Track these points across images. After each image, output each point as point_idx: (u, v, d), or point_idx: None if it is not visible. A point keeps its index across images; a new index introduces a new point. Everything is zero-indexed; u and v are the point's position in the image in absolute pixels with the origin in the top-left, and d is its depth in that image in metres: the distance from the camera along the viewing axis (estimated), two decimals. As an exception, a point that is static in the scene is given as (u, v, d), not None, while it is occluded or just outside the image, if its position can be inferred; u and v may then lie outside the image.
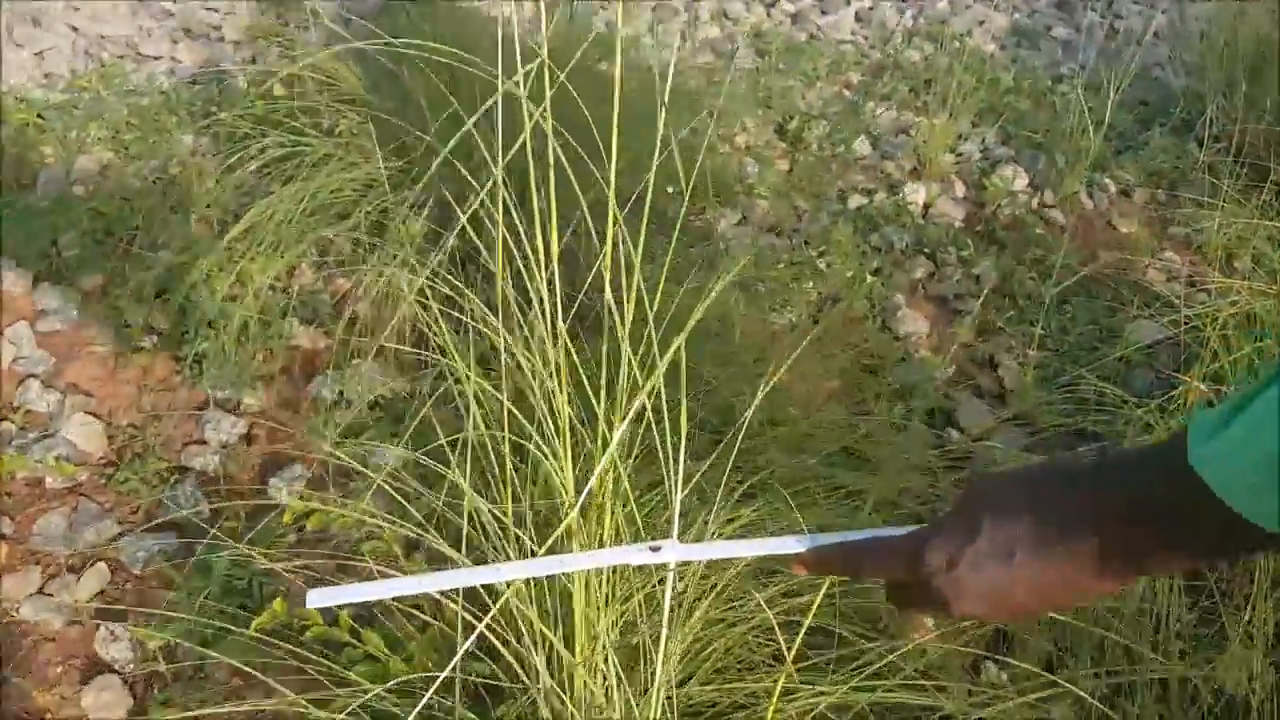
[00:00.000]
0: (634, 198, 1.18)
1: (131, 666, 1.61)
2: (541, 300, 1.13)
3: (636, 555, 0.74)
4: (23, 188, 2.55)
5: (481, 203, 1.09)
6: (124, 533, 1.80)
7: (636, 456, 1.39)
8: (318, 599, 0.70)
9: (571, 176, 1.10)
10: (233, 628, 1.47)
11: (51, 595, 1.71)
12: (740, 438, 1.60)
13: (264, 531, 1.73)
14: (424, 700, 1.04)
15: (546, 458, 1.17)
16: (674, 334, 1.10)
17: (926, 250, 2.63)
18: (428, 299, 1.48)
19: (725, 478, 1.38)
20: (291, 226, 2.17)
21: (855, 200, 2.79)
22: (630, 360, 1.11)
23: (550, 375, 1.18)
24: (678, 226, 1.19)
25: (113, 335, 2.13)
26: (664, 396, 1.10)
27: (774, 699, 1.11)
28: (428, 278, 1.58)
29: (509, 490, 1.29)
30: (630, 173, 1.22)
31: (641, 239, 1.09)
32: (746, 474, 1.65)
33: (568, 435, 1.18)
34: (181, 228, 2.29)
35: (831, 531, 0.73)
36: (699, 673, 1.38)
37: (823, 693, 1.28)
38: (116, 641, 1.63)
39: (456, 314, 1.49)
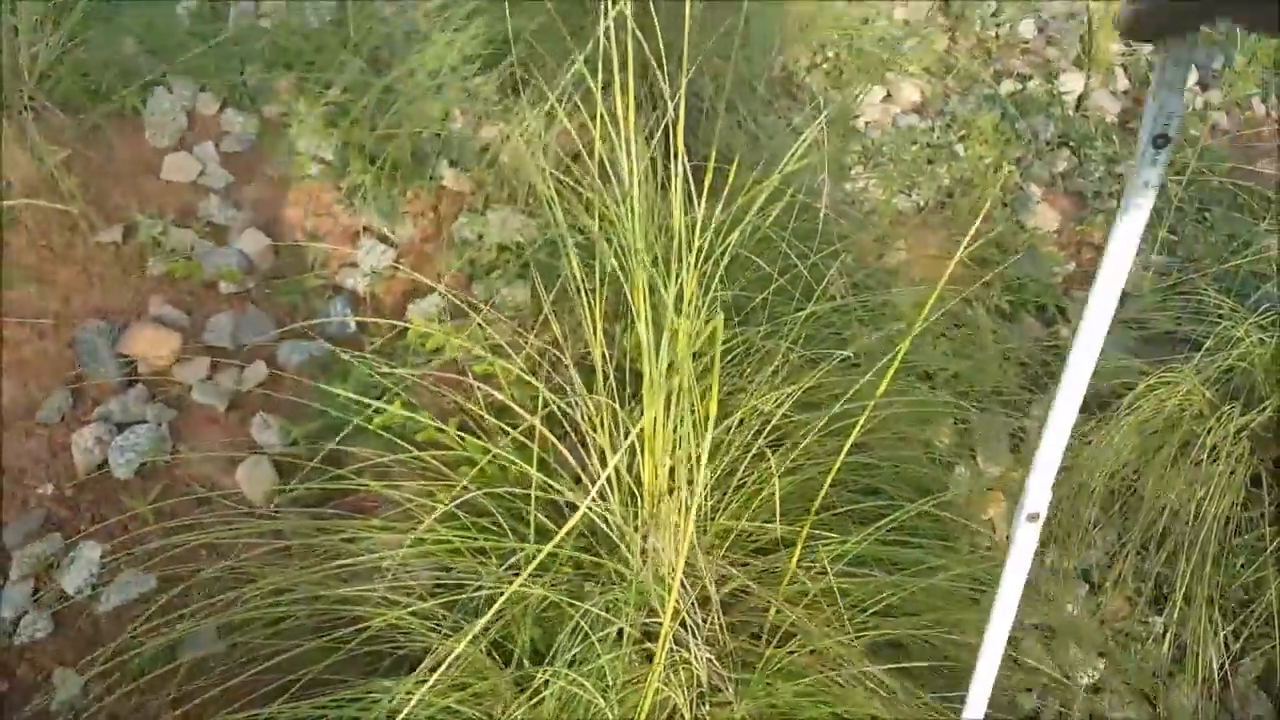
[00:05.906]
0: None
1: (278, 449, 1.87)
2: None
3: None
4: (217, 18, 2.78)
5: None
6: (282, 337, 2.05)
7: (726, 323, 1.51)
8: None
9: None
10: (366, 425, 1.69)
11: (217, 383, 1.98)
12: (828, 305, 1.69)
13: (399, 349, 1.95)
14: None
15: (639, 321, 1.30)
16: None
17: (1072, 143, 2.58)
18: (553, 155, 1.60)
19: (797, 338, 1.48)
20: (453, 74, 2.32)
21: (1008, 85, 2.74)
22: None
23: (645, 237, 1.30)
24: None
25: (285, 161, 2.35)
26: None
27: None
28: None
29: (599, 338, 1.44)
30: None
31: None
32: (833, 344, 1.75)
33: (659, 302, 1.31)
34: (351, 65, 2.47)
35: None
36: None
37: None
38: (268, 429, 1.88)
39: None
